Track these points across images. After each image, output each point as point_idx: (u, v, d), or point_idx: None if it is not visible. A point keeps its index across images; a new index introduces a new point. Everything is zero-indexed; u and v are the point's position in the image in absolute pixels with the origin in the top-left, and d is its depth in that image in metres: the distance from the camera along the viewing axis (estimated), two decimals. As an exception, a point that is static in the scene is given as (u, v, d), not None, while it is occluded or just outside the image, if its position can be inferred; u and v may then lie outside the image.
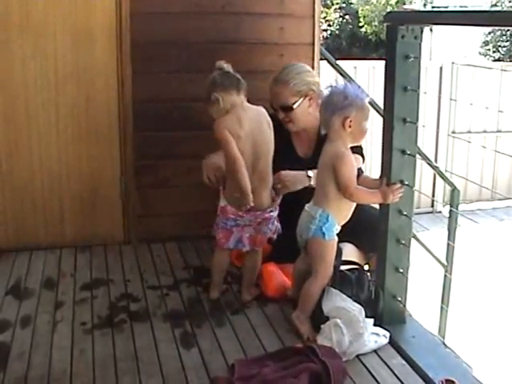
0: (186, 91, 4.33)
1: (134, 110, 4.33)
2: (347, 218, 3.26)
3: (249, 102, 3.45)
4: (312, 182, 3.64)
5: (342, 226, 3.26)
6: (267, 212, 3.50)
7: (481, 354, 5.71)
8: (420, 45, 3.12)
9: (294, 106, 3.84)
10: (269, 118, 3.51)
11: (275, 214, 3.55)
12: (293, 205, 3.39)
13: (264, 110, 3.52)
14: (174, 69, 4.35)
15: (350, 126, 3.12)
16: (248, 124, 3.39)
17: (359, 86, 3.30)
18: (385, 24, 3.25)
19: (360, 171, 3.26)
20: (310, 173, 3.66)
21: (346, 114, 3.11)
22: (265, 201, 3.51)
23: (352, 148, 3.25)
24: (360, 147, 3.99)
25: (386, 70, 3.16)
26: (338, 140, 3.16)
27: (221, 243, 3.56)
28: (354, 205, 3.25)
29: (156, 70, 4.33)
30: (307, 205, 3.28)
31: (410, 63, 3.08)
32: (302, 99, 3.85)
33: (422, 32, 3.12)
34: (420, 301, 5.47)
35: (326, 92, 3.24)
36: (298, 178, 3.70)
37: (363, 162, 4.01)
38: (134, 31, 4.24)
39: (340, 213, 3.22)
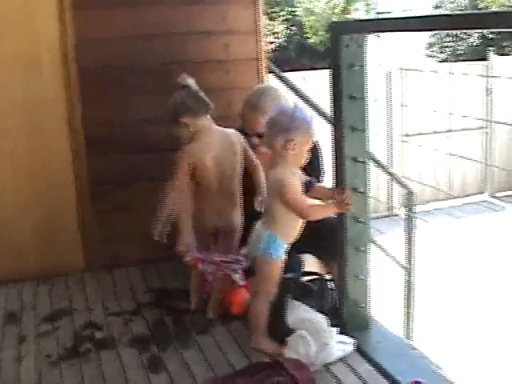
0: (138, 114, 4.33)
1: (86, 135, 4.30)
2: (296, 236, 3.21)
3: None
4: None
5: (302, 238, 3.27)
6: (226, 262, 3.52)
7: (449, 352, 5.75)
8: (364, 53, 3.14)
9: None
10: (241, 140, 3.54)
11: (237, 266, 3.55)
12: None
13: (235, 134, 3.56)
14: (124, 92, 4.33)
15: (293, 149, 3.04)
16: (215, 147, 3.43)
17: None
18: (328, 34, 3.28)
19: (311, 184, 3.24)
20: None
21: (291, 136, 3.02)
22: (234, 219, 3.54)
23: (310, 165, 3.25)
24: (318, 161, 3.96)
25: (331, 80, 3.18)
26: (281, 164, 3.08)
27: (191, 266, 3.61)
28: (301, 223, 3.19)
29: (106, 94, 4.31)
30: (258, 224, 3.24)
31: (355, 72, 3.10)
32: None
33: (365, 40, 3.15)
34: (386, 305, 5.51)
35: (273, 111, 3.18)
36: None
37: (322, 174, 3.99)
38: (82, 57, 4.22)
39: (287, 233, 3.16)
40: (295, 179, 3.10)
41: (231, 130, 3.58)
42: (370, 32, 3.38)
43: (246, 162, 3.59)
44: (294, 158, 3.07)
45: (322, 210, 3.18)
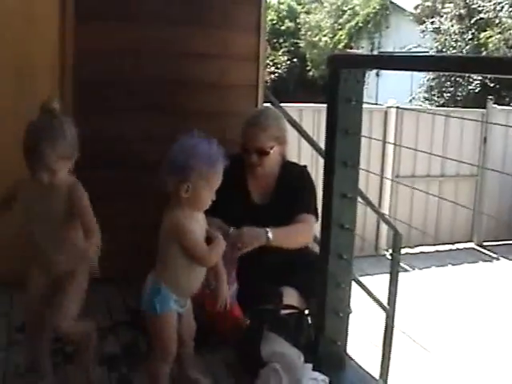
0: (124, 131, 4.27)
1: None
2: (193, 288, 2.89)
3: None
4: (271, 241, 3.49)
5: (282, 270, 3.22)
6: None
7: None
8: (362, 88, 3.13)
9: (271, 151, 3.80)
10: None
11: None
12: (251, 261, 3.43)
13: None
14: (113, 107, 4.29)
15: (186, 191, 2.71)
16: None
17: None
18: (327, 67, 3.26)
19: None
20: (270, 234, 3.49)
21: (184, 177, 2.71)
22: None
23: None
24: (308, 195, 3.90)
25: (327, 113, 3.16)
26: (176, 206, 2.75)
27: None
28: (199, 274, 2.87)
29: (99, 107, 4.26)
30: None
31: (351, 106, 3.08)
32: (277, 145, 3.82)
33: (364, 75, 3.13)
34: (364, 344, 5.46)
35: (175, 145, 2.79)
36: (256, 234, 3.49)
37: (316, 219, 3.82)
38: (79, 68, 4.18)
39: (177, 283, 2.81)
40: (192, 223, 2.78)
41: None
42: (369, 67, 3.37)
43: None
44: (187, 201, 2.75)
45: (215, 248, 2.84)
